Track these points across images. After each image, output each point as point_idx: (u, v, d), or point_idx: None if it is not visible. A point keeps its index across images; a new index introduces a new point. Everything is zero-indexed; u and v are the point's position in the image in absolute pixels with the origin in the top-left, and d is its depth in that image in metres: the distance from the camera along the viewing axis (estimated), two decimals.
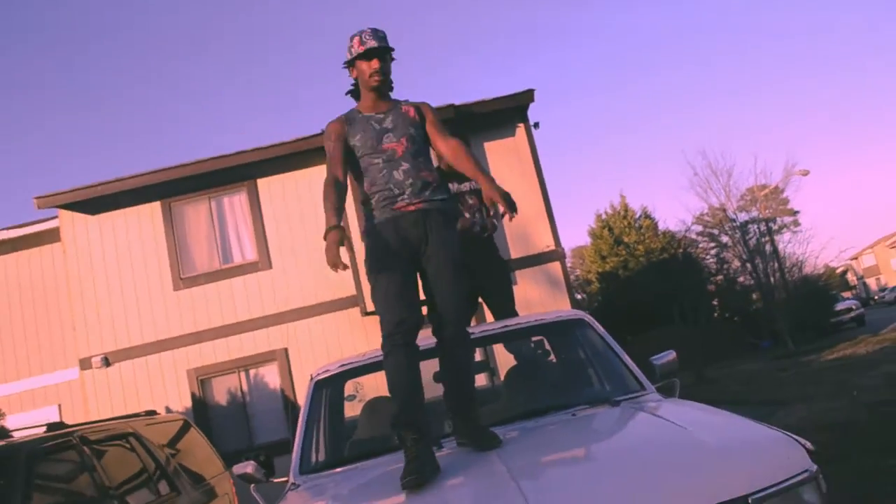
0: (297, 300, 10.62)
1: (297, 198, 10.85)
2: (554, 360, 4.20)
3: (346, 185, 3.02)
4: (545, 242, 10.78)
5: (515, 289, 10.49)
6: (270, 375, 10.64)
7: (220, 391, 10.65)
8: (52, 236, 11.55)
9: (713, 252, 29.42)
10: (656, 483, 2.07)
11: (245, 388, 10.60)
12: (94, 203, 10.74)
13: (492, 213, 4.84)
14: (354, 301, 10.47)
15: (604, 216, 35.72)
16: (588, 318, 3.79)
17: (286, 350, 10.57)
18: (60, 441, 4.30)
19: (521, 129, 11.08)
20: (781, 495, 2.04)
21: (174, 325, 10.65)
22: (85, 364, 10.49)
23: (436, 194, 2.98)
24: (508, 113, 10.88)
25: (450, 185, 5.27)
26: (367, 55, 3.03)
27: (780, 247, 25.76)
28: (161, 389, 10.45)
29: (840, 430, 7.15)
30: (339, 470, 3.13)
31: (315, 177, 10.80)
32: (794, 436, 2.23)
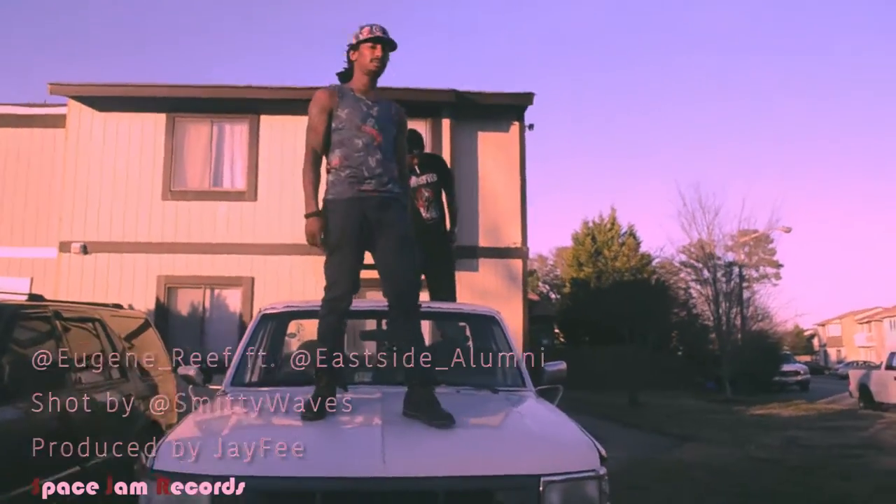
0: (273, 236, 11.27)
1: (295, 141, 11.37)
2: (470, 346, 4.90)
3: (322, 159, 3.42)
4: (512, 239, 11.47)
5: (476, 276, 11.28)
6: (232, 299, 11.32)
7: (184, 302, 11.32)
8: (57, 122, 12.05)
9: (685, 284, 30.07)
10: (479, 448, 2.78)
11: (207, 304, 11.28)
12: (104, 101, 11.30)
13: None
14: None
15: (591, 224, 36.56)
16: (498, 316, 4.48)
17: (252, 279, 11.24)
18: (38, 311, 4.96)
19: (514, 128, 11.73)
20: (567, 483, 2.69)
21: (155, 232, 11.27)
22: (64, 247, 11.12)
23: (396, 187, 3.35)
24: (506, 109, 11.54)
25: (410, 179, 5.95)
26: (373, 41, 3.35)
27: (747, 295, 26.52)
28: (130, 287, 11.10)
29: (716, 473, 7.97)
30: (263, 389, 3.82)
31: None
32: (595, 442, 2.93)
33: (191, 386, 4.19)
